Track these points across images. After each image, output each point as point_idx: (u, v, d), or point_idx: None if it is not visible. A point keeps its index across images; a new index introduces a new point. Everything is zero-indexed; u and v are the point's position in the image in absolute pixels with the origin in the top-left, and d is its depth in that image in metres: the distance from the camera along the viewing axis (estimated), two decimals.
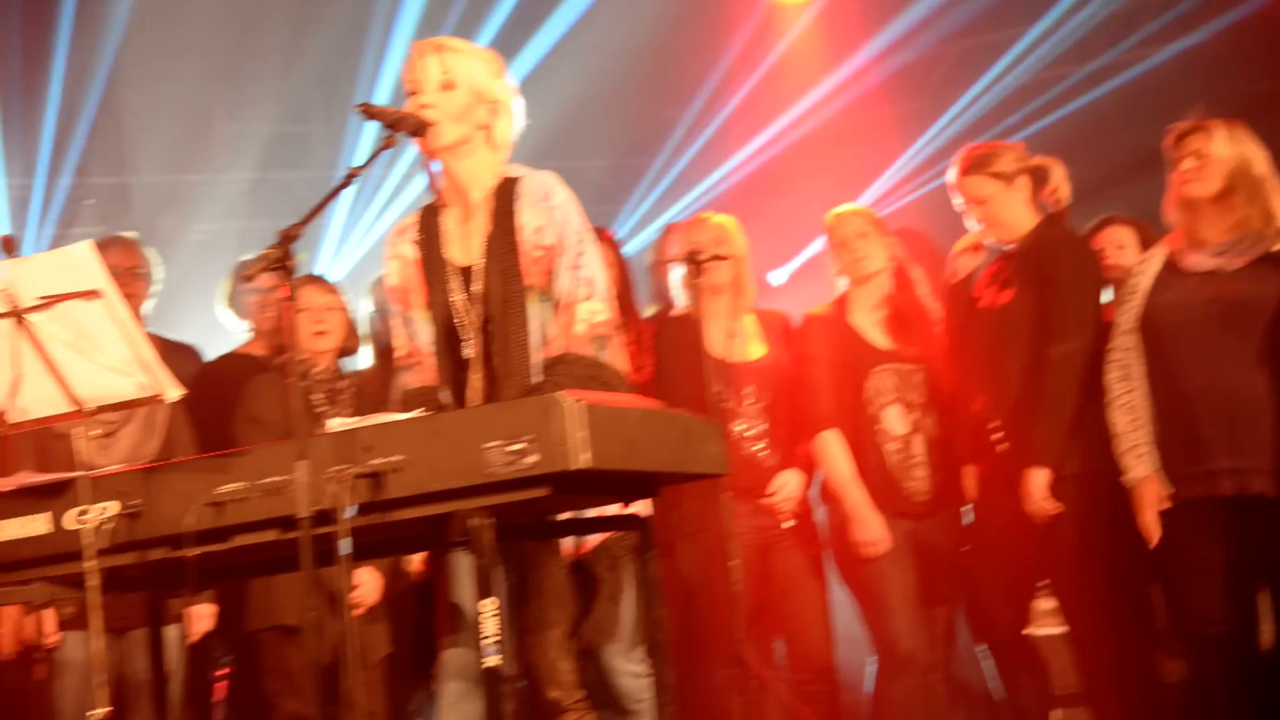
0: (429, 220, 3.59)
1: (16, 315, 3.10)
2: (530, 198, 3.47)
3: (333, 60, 8.52)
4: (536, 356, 3.43)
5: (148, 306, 5.58)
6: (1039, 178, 4.97)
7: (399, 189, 8.63)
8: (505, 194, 3.49)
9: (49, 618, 4.47)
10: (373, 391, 5.43)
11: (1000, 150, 4.99)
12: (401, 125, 3.35)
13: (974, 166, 4.98)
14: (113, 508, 3.13)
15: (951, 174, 5.05)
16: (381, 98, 8.11)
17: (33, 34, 7.94)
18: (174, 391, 3.18)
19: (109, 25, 8.04)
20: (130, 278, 5.33)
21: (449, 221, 3.56)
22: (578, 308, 3.40)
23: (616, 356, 3.43)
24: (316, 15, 8.31)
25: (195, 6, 8.23)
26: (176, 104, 8.49)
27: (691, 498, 4.98)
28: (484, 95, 3.49)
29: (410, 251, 3.59)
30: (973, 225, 5.03)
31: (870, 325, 5.20)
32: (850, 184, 7.67)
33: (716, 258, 4.98)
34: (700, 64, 8.84)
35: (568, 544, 3.43)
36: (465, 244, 3.53)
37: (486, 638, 2.91)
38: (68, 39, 8.01)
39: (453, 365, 3.52)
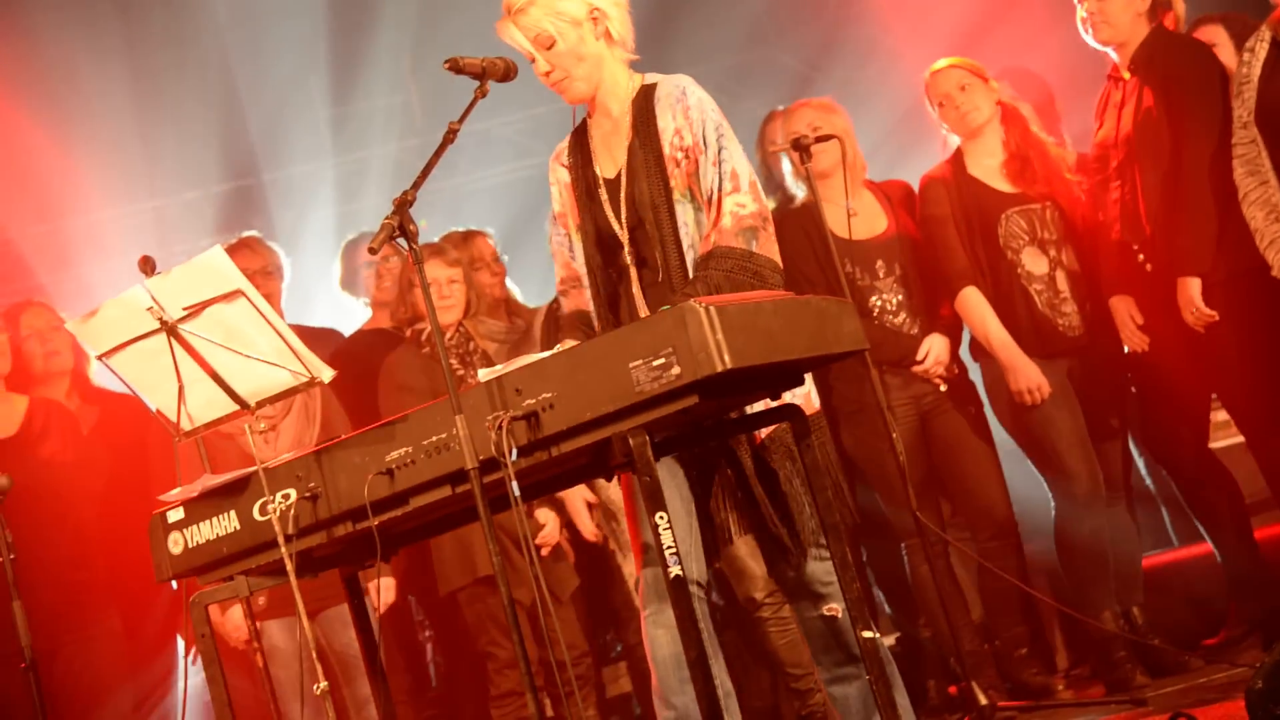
0: (578, 141, 3.68)
1: (168, 328, 3.24)
2: (666, 101, 3.52)
3: (416, 24, 8.57)
4: (690, 256, 3.49)
5: (284, 300, 5.74)
6: (1160, 1, 4.87)
7: None
8: (643, 102, 3.56)
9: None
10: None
11: None
12: (490, 74, 3.41)
13: None
14: (293, 493, 3.27)
15: None
16: (470, 48, 8.12)
17: (127, 58, 8.14)
18: (327, 373, 3.30)
19: (193, 37, 8.21)
20: (264, 278, 5.49)
21: (596, 136, 3.63)
22: (724, 201, 3.45)
23: (768, 247, 3.47)
24: None
25: (270, 4, 8.36)
26: (276, 101, 8.64)
27: (844, 379, 5.01)
28: (580, 18, 3.51)
29: (564, 175, 3.68)
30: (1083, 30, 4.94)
31: (990, 173, 5.14)
32: (945, 37, 7.51)
33: (821, 139, 4.97)
34: None
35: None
36: (611, 156, 3.61)
37: (665, 549, 2.99)
38: (159, 56, 8.20)
39: (609, 279, 3.60)
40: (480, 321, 5.54)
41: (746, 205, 3.45)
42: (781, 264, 3.46)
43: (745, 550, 4.45)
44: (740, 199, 3.45)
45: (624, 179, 3.55)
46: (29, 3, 7.61)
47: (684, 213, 3.50)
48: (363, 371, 5.34)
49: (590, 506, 5.38)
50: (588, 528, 5.37)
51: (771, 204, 5.57)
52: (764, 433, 3.49)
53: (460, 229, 6.15)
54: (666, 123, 3.51)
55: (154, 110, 8.27)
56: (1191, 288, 4.65)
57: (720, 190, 3.45)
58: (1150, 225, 4.78)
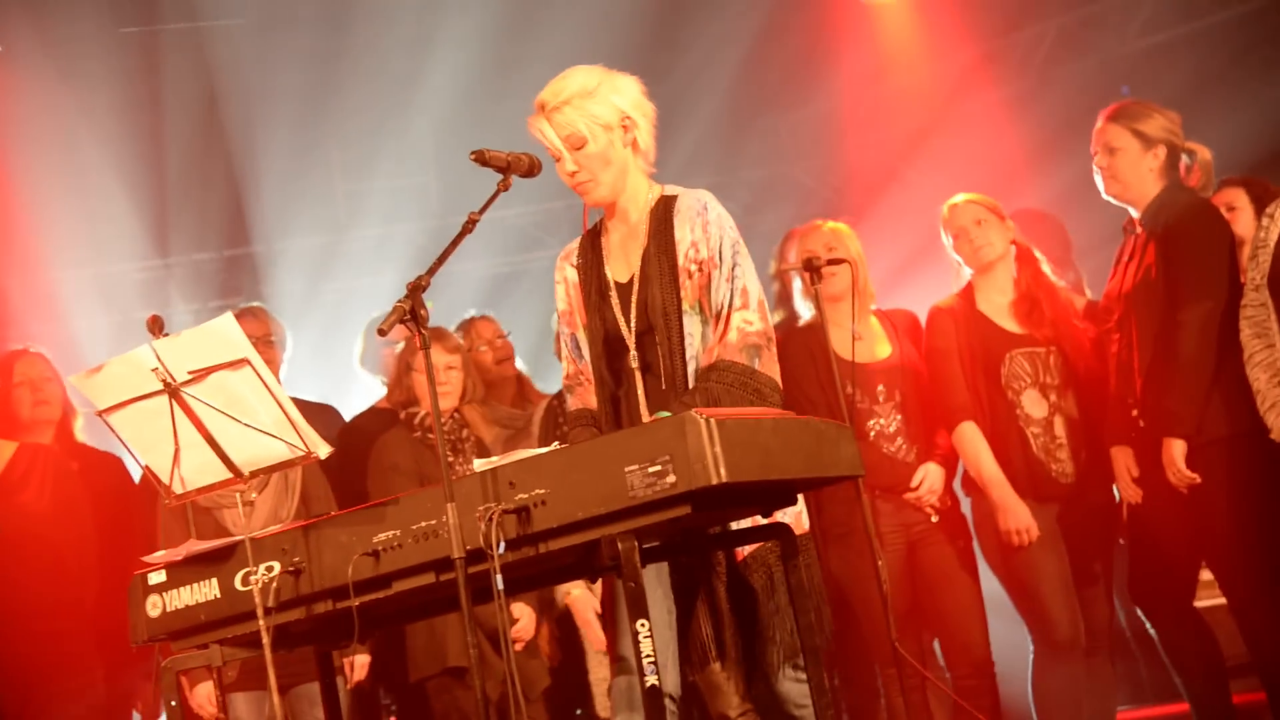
0: (590, 243, 3.72)
1: (171, 391, 3.25)
2: (686, 214, 3.56)
3: (442, 110, 8.69)
4: (693, 366, 3.51)
5: (283, 371, 5.76)
6: (1180, 155, 4.91)
7: None
8: (663, 211, 3.60)
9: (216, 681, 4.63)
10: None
11: (1152, 112, 4.92)
12: (514, 168, 3.45)
13: (1118, 116, 4.93)
14: (276, 566, 3.26)
15: (1099, 120, 4.99)
16: (492, 141, 8.21)
17: (152, 118, 8.23)
18: (323, 449, 3.30)
19: (222, 100, 8.30)
20: (265, 345, 5.52)
21: (612, 240, 3.67)
22: (732, 316, 3.48)
23: (770, 366, 3.49)
24: (419, 69, 8.48)
25: (296, 75, 8.45)
26: (295, 172, 8.72)
27: (835, 501, 5.00)
28: (612, 124, 3.57)
29: (572, 275, 3.71)
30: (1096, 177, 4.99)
31: (999, 311, 5.18)
32: (964, 174, 7.63)
33: (832, 262, 5.01)
34: (799, 72, 8.85)
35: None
36: (626, 260, 3.64)
37: (643, 658, 2.97)
38: (184, 117, 8.30)
39: (612, 380, 3.62)
40: (492, 407, 5.58)
41: (754, 323, 3.48)
42: (781, 383, 3.49)
43: (720, 666, 4.42)
44: (748, 316, 3.48)
45: (636, 284, 3.58)
46: (52, 58, 7.71)
47: (691, 323, 3.53)
48: (368, 450, 5.35)
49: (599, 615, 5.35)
50: (597, 637, 5.31)
51: (779, 317, 5.64)
52: (746, 550, 3.48)
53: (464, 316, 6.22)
54: (684, 234, 3.55)
55: (173, 169, 8.35)
56: (1175, 449, 4.66)
57: (730, 306, 3.48)
58: (1142, 382, 4.80)
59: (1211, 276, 4.70)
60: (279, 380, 5.60)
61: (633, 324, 3.58)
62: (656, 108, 3.67)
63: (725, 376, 3.43)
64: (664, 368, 3.52)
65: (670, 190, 3.64)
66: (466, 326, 6.13)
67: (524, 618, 5.22)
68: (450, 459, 5.19)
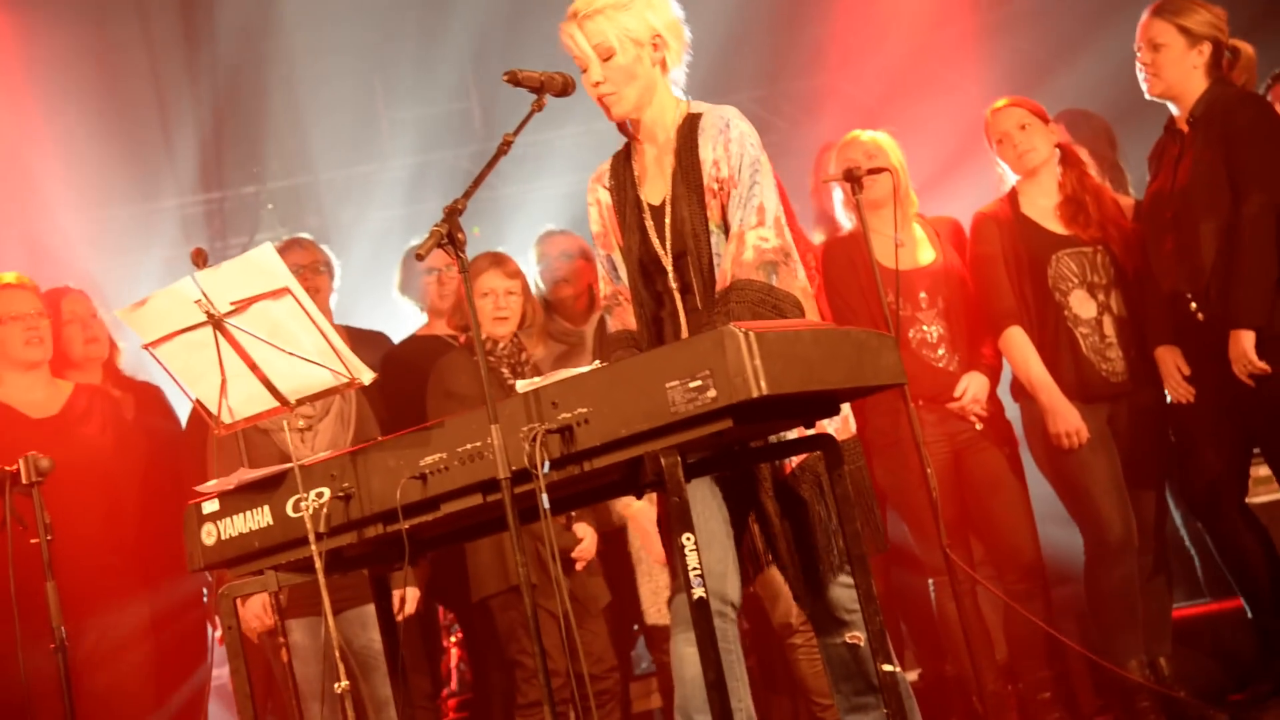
0: (620, 165, 3.71)
1: (215, 322, 3.28)
2: (709, 132, 3.55)
3: (483, 34, 8.65)
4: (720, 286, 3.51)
5: (334, 300, 5.79)
6: (1225, 52, 4.83)
7: None
8: (688, 131, 3.58)
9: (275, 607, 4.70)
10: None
11: (1197, 7, 4.84)
12: (548, 88, 3.44)
13: (1162, 11, 4.85)
14: (326, 492, 3.31)
15: (1143, 15, 4.91)
16: (532, 62, 8.17)
17: (192, 53, 8.26)
18: (367, 375, 3.33)
19: (262, 34, 8.30)
20: (313, 273, 5.56)
21: (645, 161, 3.66)
22: (746, 235, 3.47)
23: (789, 281, 3.47)
24: None
25: (337, 3, 8.43)
26: (338, 101, 8.73)
27: (879, 412, 5.01)
28: (642, 39, 3.55)
29: (605, 197, 3.71)
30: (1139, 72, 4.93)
31: (1044, 214, 5.13)
32: (1006, 78, 7.52)
33: (873, 171, 4.98)
34: None
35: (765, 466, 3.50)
36: (656, 182, 3.63)
37: (690, 570, 3.00)
38: (225, 52, 8.31)
39: (652, 302, 3.63)
40: (554, 321, 5.64)
41: (769, 240, 3.46)
42: (824, 293, 3.46)
43: (776, 574, 4.45)
44: (763, 233, 3.46)
45: (669, 206, 3.58)
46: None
47: (718, 243, 3.53)
48: (414, 376, 5.37)
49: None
50: (658, 550, 5.36)
51: (820, 236, 5.61)
52: (794, 461, 3.50)
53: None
54: (707, 153, 3.53)
55: (216, 104, 8.38)
56: (1245, 340, 4.63)
57: (744, 224, 3.47)
58: (1207, 276, 4.75)
59: (1268, 169, 4.65)
60: (330, 309, 5.67)
61: (668, 245, 3.57)
62: (696, 19, 3.65)
63: (744, 295, 3.41)
64: (698, 287, 3.53)
65: (696, 108, 3.62)
66: (540, 241, 6.15)
67: (586, 538, 5.25)
68: (510, 382, 5.21)
